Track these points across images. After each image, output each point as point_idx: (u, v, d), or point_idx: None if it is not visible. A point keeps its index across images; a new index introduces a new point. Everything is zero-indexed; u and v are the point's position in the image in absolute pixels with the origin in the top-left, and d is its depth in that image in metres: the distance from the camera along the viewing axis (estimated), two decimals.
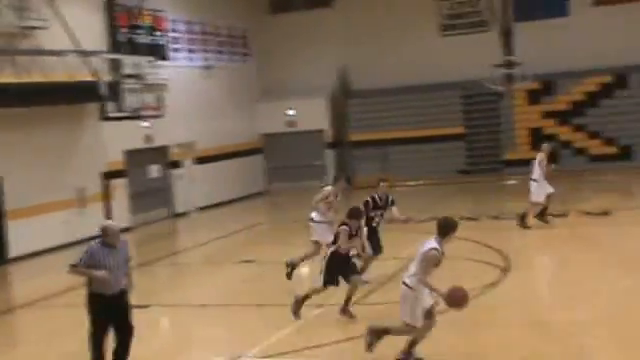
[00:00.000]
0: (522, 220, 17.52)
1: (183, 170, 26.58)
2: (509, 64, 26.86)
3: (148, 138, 24.47)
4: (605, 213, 18.33)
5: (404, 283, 8.83)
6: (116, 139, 22.89)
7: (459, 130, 30.42)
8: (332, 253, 11.16)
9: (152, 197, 25.09)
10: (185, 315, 12.82)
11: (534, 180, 17.59)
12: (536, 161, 17.72)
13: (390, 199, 13.37)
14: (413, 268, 8.77)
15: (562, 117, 29.55)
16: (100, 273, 8.65)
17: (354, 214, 11.34)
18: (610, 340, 9.61)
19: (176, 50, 26.64)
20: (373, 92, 30.80)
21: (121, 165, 23.44)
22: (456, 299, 8.49)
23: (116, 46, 23.23)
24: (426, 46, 30.09)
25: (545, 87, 29.65)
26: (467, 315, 10.61)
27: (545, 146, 18.09)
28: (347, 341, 10.15)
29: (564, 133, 29.49)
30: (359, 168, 31.01)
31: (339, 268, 11.12)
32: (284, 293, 12.70)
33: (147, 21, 24.94)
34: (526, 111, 29.90)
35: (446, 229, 8.72)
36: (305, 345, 10.08)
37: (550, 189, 17.46)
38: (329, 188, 14.04)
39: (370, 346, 9.10)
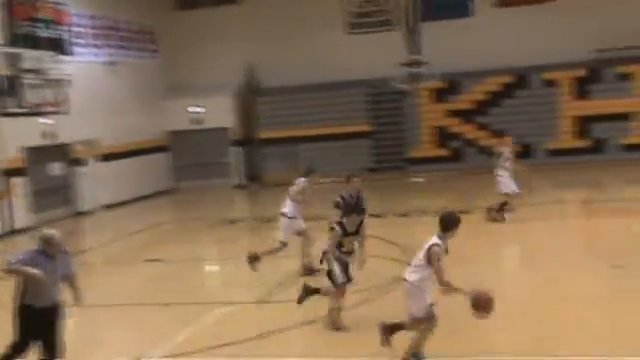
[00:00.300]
0: (496, 212, 17.70)
1: (87, 168, 26.02)
2: (415, 63, 27.28)
3: (50, 135, 23.84)
4: (507, 209, 18.79)
5: (406, 280, 8.72)
6: (15, 136, 22.24)
7: (365, 128, 30.75)
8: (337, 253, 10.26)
9: (54, 195, 24.48)
10: (89, 316, 12.54)
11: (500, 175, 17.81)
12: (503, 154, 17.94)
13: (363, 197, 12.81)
14: (414, 264, 8.70)
15: (466, 116, 30.21)
16: (37, 272, 8.22)
17: (353, 210, 10.51)
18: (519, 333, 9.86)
19: (79, 45, 26.03)
20: (282, 90, 30.83)
21: (21, 162, 22.77)
22: (483, 303, 8.22)
23: (14, 40, 22.55)
24: (333, 44, 30.28)
25: (450, 86, 30.25)
26: (376, 311, 10.74)
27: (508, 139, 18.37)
28: (258, 339, 10.11)
29: (468, 132, 30.16)
30: (268, 166, 31.03)
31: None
32: (191, 292, 12.58)
33: (48, 14, 24.29)
34: (431, 110, 30.44)
35: (448, 224, 8.59)
36: (216, 343, 10.00)
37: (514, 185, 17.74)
38: (303, 180, 13.86)
39: (385, 342, 8.98)
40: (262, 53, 31.04)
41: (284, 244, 13.61)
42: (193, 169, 31.14)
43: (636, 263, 12.57)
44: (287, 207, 13.70)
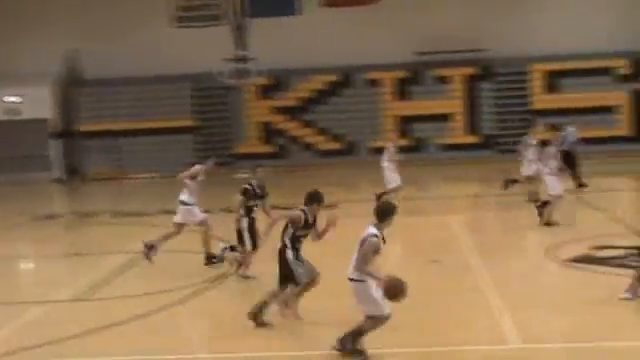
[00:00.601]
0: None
1: None
2: (241, 59, 27.30)
3: None
4: (332, 206, 19.16)
5: (350, 279, 8.41)
6: None
7: (190, 123, 30.42)
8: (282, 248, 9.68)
9: None
10: None
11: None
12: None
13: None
14: (353, 259, 8.39)
15: (292, 113, 30.54)
16: None
17: (315, 198, 9.71)
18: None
19: None
20: (105, 81, 29.96)
21: None
22: (394, 290, 8.10)
23: None
24: (160, 37, 29.75)
25: (276, 83, 30.48)
26: (212, 307, 10.63)
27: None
28: (78, 337, 9.74)
29: (294, 129, 30.51)
30: (90, 160, 30.07)
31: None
32: (5, 291, 11.95)
33: None
34: (257, 106, 30.55)
35: (385, 214, 8.43)
36: (33, 343, 9.53)
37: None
38: (199, 166, 13.66)
39: (355, 354, 8.42)
40: (85, 42, 30.02)
41: (180, 227, 13.42)
42: (9, 162, 29.65)
43: (451, 259, 13.10)
44: (186, 194, 13.56)
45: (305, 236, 9.77)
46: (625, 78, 29.27)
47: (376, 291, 8.25)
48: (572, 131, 21.30)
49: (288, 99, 30.60)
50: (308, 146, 30.19)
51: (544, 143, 17.58)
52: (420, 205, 20.62)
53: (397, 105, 30.26)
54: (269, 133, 30.65)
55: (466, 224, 17.12)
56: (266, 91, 30.55)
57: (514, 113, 29.79)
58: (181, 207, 13.54)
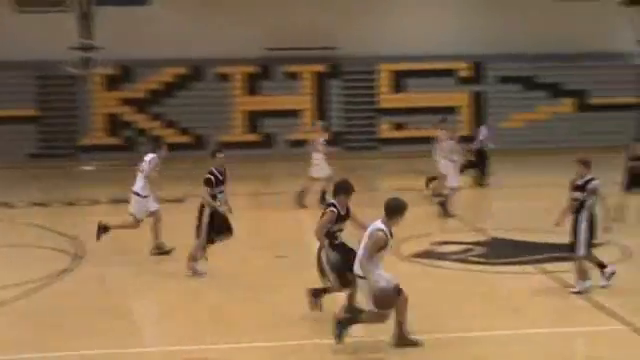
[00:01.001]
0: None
1: None
2: (87, 47, 26.49)
3: None
4: (179, 200, 18.92)
5: (358, 276, 8.42)
6: None
7: (33, 112, 29.24)
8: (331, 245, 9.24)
9: None
10: None
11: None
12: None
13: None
14: (359, 254, 8.37)
15: (140, 105, 29.92)
16: None
17: (342, 188, 9.35)
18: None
19: None
20: None
21: None
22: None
23: None
24: (1, 22, 28.38)
25: (124, 74, 29.77)
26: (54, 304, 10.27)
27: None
28: None
29: (142, 121, 29.90)
30: None
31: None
32: None
33: None
34: (104, 97, 29.73)
35: (394, 211, 8.40)
36: None
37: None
38: (154, 156, 13.24)
39: (339, 337, 8.41)
40: None
41: (138, 221, 13.12)
42: None
43: (297, 254, 13.20)
44: (138, 185, 13.16)
45: (340, 230, 9.45)
46: (466, 80, 30.49)
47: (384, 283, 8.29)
48: (483, 130, 22.14)
49: (136, 91, 29.95)
50: (156, 139, 29.67)
51: (439, 138, 18.05)
52: (268, 200, 20.70)
53: (247, 100, 30.24)
54: (115, 125, 29.90)
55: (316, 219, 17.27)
56: (113, 82, 29.77)
57: (361, 111, 30.43)
58: (134, 197, 13.18)
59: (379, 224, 8.41)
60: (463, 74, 30.47)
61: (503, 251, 13.51)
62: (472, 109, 30.32)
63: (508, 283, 11.73)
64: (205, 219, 11.75)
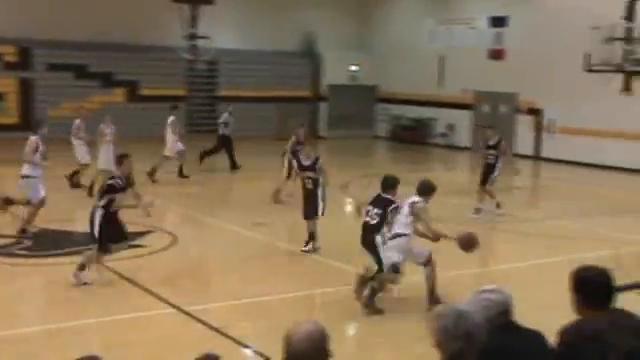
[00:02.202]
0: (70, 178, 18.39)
1: None
2: None
3: None
4: None
5: (398, 235, 9.99)
6: None
7: None
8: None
9: None
10: None
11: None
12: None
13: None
14: (401, 222, 10.00)
15: None
16: None
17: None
18: None
19: None
20: None
21: None
22: (468, 242, 9.88)
23: None
24: None
25: None
26: None
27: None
28: None
29: None
30: None
31: None
32: None
33: None
34: None
35: (426, 190, 10.22)
36: None
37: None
38: (34, 137, 13.40)
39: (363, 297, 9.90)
40: None
41: (42, 202, 13.50)
42: None
43: None
44: (27, 169, 13.40)
45: None
46: (13, 65, 29.11)
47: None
48: (226, 116, 22.60)
49: None
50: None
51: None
52: None
53: None
54: None
55: None
56: None
57: None
58: (27, 180, 13.35)
59: (415, 197, 10.14)
60: (9, 59, 29.07)
61: (48, 243, 13.18)
62: (20, 96, 29.09)
63: (52, 275, 11.44)
64: (97, 227, 10.57)
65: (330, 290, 11.09)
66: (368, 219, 10.24)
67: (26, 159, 13.35)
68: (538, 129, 27.93)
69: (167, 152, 20.64)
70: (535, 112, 28.14)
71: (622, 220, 17.42)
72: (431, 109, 32.13)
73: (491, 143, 16.96)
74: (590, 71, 22.26)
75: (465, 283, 11.30)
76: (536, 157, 27.60)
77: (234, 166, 22.59)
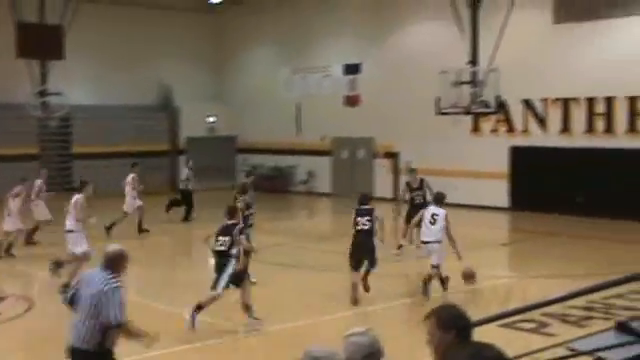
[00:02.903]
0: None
1: None
2: None
3: None
4: None
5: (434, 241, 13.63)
6: None
7: None
8: None
9: None
10: None
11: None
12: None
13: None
14: (437, 230, 13.70)
15: None
16: None
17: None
18: None
19: None
20: None
21: None
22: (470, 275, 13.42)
23: None
24: None
25: None
26: None
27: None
28: None
29: None
30: None
31: None
32: None
33: None
34: None
35: (443, 199, 14.17)
36: None
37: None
38: (79, 196, 14.65)
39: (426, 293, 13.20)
40: None
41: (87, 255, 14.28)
42: None
43: None
44: (72, 224, 14.53)
45: None
46: None
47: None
48: (187, 172, 24.70)
49: None
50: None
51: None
52: None
53: None
54: None
55: None
56: None
57: None
58: (70, 235, 14.55)
59: (439, 209, 13.93)
60: None
61: None
62: None
63: None
64: None
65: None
66: (361, 227, 13.25)
67: (78, 217, 14.52)
68: (395, 172, 28.68)
69: (126, 208, 21.04)
70: (392, 155, 28.92)
71: (476, 255, 18.04)
72: (291, 157, 32.46)
73: (415, 186, 18.43)
74: (441, 114, 23.07)
75: (337, 327, 11.35)
76: (395, 199, 28.27)
77: (187, 218, 23.65)
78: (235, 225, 11.76)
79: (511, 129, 25.90)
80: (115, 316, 6.91)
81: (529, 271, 16.46)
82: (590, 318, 12.21)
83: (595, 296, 11.98)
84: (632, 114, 23.36)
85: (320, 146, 31.36)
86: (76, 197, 14.63)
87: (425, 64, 26.52)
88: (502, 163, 25.84)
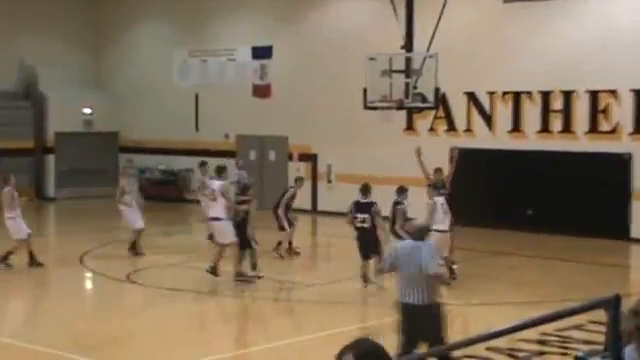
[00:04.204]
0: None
1: None
2: None
3: None
4: None
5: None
6: None
7: None
8: None
9: None
10: None
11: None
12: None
13: None
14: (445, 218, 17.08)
15: None
16: None
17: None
18: None
19: None
20: None
21: None
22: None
23: None
24: None
25: None
26: None
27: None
28: None
29: None
30: None
31: None
32: None
33: None
34: None
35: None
36: None
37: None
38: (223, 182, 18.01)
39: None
40: None
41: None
42: None
43: None
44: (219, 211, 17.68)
45: None
46: None
47: None
48: None
49: None
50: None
51: None
52: None
53: None
54: None
55: None
56: None
57: None
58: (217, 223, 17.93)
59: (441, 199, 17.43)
60: None
61: None
62: None
63: None
64: None
65: None
66: (360, 224, 16.19)
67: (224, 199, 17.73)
68: (314, 178, 28.79)
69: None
70: (309, 158, 29.03)
71: None
72: (187, 158, 32.18)
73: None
74: (368, 108, 23.24)
75: None
76: (314, 210, 28.40)
77: None
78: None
79: (452, 128, 26.33)
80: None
81: (471, 297, 16.71)
82: (543, 353, 12.48)
83: (549, 327, 12.26)
84: (594, 111, 24.01)
85: (223, 145, 31.25)
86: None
87: (350, 49, 26.73)
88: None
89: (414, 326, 10.54)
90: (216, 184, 18.13)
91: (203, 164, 23.69)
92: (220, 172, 18.56)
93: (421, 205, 17.56)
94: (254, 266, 17.40)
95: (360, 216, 16.25)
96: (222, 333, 14.62)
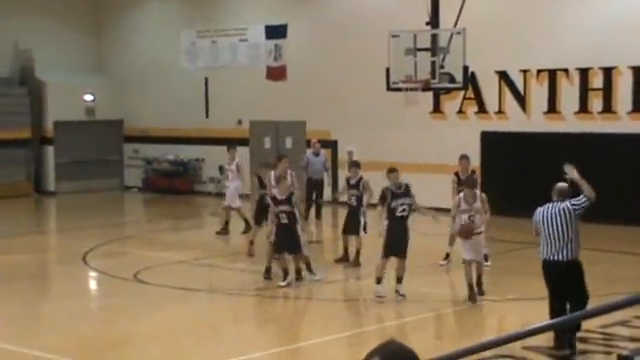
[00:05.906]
0: None
1: None
2: None
3: None
4: None
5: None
6: None
7: None
8: None
9: None
10: None
11: None
12: None
13: None
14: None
15: None
16: None
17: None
18: None
19: None
20: None
21: None
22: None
23: None
24: None
25: None
26: None
27: None
28: None
29: None
30: None
31: None
32: None
33: None
34: None
35: (474, 183, 16.89)
36: None
37: None
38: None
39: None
40: None
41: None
42: None
43: None
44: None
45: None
46: None
47: None
48: None
49: None
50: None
51: None
52: None
53: None
54: None
55: None
56: None
57: None
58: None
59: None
60: None
61: None
62: None
63: None
64: None
65: None
66: (400, 213, 16.03)
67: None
68: (333, 166, 28.70)
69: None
70: (329, 144, 28.94)
71: (439, 270, 18.19)
72: (197, 147, 32.24)
73: (352, 183, 19.34)
74: (391, 90, 23.18)
75: None
76: (334, 201, 28.30)
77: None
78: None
79: (482, 110, 26.22)
80: None
81: (508, 292, 16.64)
82: (585, 352, 12.39)
83: (591, 323, 12.17)
84: (638, 89, 23.79)
85: (235, 132, 31.23)
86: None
87: (371, 25, 26.65)
88: (471, 154, 26.06)
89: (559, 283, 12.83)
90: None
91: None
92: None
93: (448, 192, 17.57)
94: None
95: (400, 203, 16.38)
96: (236, 335, 14.59)
